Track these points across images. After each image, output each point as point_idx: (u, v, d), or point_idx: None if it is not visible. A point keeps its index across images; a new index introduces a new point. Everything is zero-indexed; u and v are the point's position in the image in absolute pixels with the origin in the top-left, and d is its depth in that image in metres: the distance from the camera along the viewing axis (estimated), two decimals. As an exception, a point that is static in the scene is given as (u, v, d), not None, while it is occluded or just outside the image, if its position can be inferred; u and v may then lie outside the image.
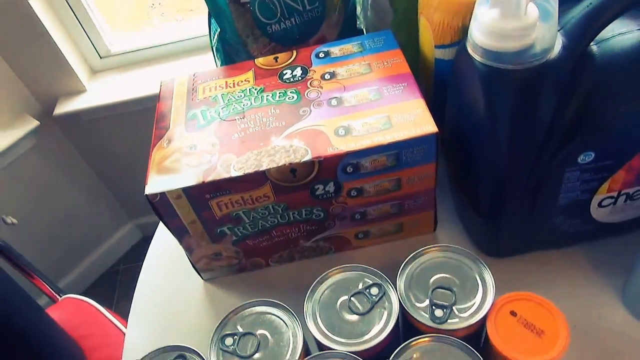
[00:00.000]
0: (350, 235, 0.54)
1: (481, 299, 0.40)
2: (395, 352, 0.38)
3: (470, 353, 0.37)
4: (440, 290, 0.41)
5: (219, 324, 0.42)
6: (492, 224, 0.49)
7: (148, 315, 0.57)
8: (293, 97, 0.51)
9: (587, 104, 0.40)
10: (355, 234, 0.54)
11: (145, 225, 1.71)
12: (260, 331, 0.41)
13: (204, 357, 0.41)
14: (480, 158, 0.45)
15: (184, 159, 0.48)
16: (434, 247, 0.44)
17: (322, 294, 0.43)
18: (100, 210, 1.59)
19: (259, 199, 0.48)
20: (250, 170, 0.45)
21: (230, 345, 0.40)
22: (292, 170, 0.46)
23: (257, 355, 0.40)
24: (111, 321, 0.93)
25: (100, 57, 1.31)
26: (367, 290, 0.42)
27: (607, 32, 0.40)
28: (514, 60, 0.39)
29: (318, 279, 0.43)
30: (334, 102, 0.49)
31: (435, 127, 0.45)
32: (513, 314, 0.39)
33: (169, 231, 0.50)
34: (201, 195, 0.46)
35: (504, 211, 0.47)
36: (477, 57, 0.40)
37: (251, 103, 0.51)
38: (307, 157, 0.45)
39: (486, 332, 0.39)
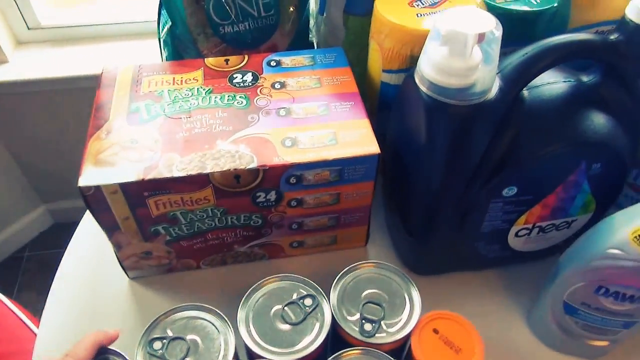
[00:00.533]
0: (285, 244, 0.55)
1: (407, 316, 0.42)
2: None
3: None
4: (371, 304, 0.43)
5: (148, 326, 0.41)
6: (420, 243, 0.52)
7: (65, 314, 0.54)
8: (242, 102, 0.51)
9: (514, 143, 0.44)
10: (290, 242, 0.55)
11: (58, 212, 1.61)
12: (190, 336, 0.41)
13: (128, 359, 0.40)
14: (416, 181, 0.48)
15: (124, 153, 0.46)
16: (366, 262, 0.45)
17: (256, 302, 0.43)
18: (9, 190, 1.48)
19: (198, 201, 0.47)
20: (194, 172, 0.45)
21: (159, 350, 0.40)
22: (236, 176, 0.46)
23: None
24: (20, 318, 0.86)
25: (28, 28, 1.22)
26: (301, 300, 0.43)
27: (538, 81, 0.44)
28: (455, 96, 0.42)
29: (253, 286, 0.44)
30: (282, 112, 0.50)
31: (378, 148, 0.47)
32: (435, 331, 0.42)
33: (95, 222, 0.48)
34: (139, 192, 0.45)
35: (432, 233, 0.50)
36: (423, 88, 0.43)
37: (198, 103, 0.51)
38: (253, 165, 0.45)
39: (409, 348, 0.41)
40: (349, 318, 0.42)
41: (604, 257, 0.40)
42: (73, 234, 0.62)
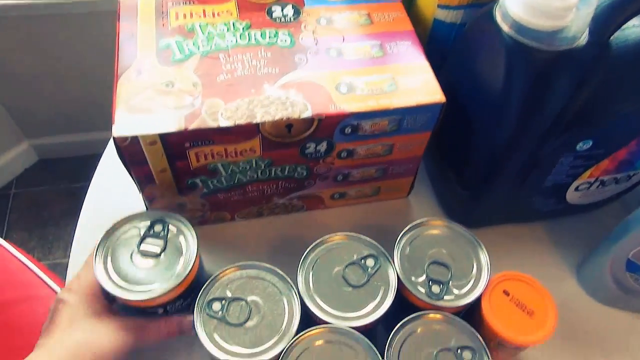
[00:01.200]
0: (327, 195, 0.52)
1: (476, 277, 0.40)
2: (397, 327, 0.37)
3: (469, 334, 0.37)
4: (436, 265, 0.40)
5: (205, 287, 0.38)
6: (473, 196, 0.49)
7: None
8: (286, 40, 0.45)
9: (597, 94, 0.40)
10: (332, 194, 0.52)
11: (43, 147, 1.53)
12: (251, 297, 0.38)
13: (186, 222, 0.40)
14: (482, 132, 0.44)
15: (160, 98, 0.41)
16: (431, 219, 0.43)
17: (315, 262, 0.40)
18: (-10, 126, 1.38)
19: (243, 152, 0.43)
20: (242, 122, 0.40)
21: (218, 311, 0.37)
22: (287, 126, 0.41)
23: (249, 324, 0.37)
24: (22, 262, 0.82)
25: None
26: (363, 261, 0.40)
27: (624, 26, 0.39)
28: (544, 40, 0.37)
29: (311, 246, 0.40)
30: (333, 52, 0.45)
31: (443, 96, 0.43)
32: (506, 293, 0.40)
33: (121, 164, 0.43)
34: (180, 143, 0.40)
35: (491, 187, 0.47)
36: (504, 28, 0.38)
37: (236, 40, 0.45)
38: (307, 114, 0.41)
39: (480, 311, 0.39)
40: (414, 280, 0.40)
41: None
42: (58, 170, 0.57)
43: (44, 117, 1.41)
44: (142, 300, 0.37)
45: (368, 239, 0.41)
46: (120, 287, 0.37)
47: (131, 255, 0.39)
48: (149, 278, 0.38)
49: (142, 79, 0.42)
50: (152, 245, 0.39)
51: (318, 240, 0.41)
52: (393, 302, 0.38)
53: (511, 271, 0.41)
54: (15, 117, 1.42)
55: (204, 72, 0.42)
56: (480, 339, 0.37)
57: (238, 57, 0.44)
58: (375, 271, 0.40)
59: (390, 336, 0.36)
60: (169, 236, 0.40)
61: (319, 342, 0.35)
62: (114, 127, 0.39)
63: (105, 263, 0.39)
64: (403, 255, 0.41)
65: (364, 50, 0.45)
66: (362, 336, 0.36)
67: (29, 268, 0.78)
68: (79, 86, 1.32)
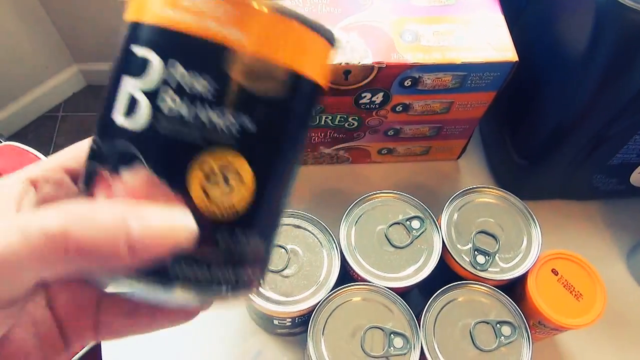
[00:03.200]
0: (374, 150, 0.50)
1: (524, 253, 0.38)
2: (437, 292, 0.36)
3: (511, 309, 0.36)
4: (484, 235, 0.39)
5: None
6: (531, 166, 0.46)
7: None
8: (351, -22, 0.42)
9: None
10: (380, 149, 0.50)
11: (91, 72, 1.54)
12: (291, 246, 0.37)
13: None
14: (554, 96, 0.41)
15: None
16: (484, 187, 0.40)
17: (358, 218, 0.39)
18: (42, 46, 1.40)
19: (295, 95, 0.41)
20: (298, 63, 0.38)
21: None
22: (345, 72, 0.39)
23: (286, 272, 0.36)
24: None
25: None
26: (408, 222, 0.38)
27: None
28: (642, 0, 0.33)
29: (356, 201, 0.39)
30: (400, -4, 0.41)
31: (516, 54, 0.39)
32: (554, 272, 0.38)
33: None
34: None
35: (554, 158, 0.44)
36: (598, -16, 0.34)
37: (299, -26, 0.42)
38: (367, 60, 0.38)
39: (525, 288, 0.37)
40: (460, 247, 0.38)
41: None
42: None
43: (93, 42, 1.42)
44: None
45: (415, 199, 0.39)
46: None
47: None
48: None
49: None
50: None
51: (364, 196, 0.39)
52: (435, 267, 0.37)
53: (564, 250, 0.38)
54: (66, 40, 1.43)
55: (262, 6, 0.40)
56: (522, 315, 0.35)
57: (299, -7, 0.41)
58: (420, 234, 0.38)
59: (430, 301, 0.35)
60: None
61: (356, 299, 0.35)
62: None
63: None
64: (450, 221, 0.39)
65: (434, -3, 0.42)
66: (400, 298, 0.35)
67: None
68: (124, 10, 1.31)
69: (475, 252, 0.38)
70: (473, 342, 0.34)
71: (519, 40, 0.42)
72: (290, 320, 0.37)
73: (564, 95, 0.40)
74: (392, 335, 0.34)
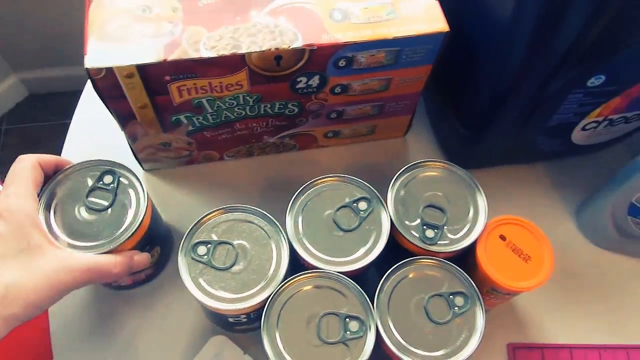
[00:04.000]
0: (319, 134, 0.49)
1: (472, 222, 0.38)
2: (388, 272, 0.35)
3: (462, 279, 0.36)
4: (432, 209, 0.39)
5: (189, 230, 0.36)
6: (475, 136, 0.47)
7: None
8: (275, -40, 0.41)
9: (613, 25, 0.36)
10: (325, 133, 0.49)
11: (33, 81, 1.48)
12: (238, 241, 0.36)
13: (135, 173, 0.38)
14: (488, 63, 0.41)
15: (136, 25, 0.37)
16: (428, 161, 0.40)
17: (305, 205, 0.38)
18: (-25, 58, 1.33)
19: (229, 87, 0.40)
20: (227, 52, 0.36)
21: (204, 255, 0.35)
22: (276, 57, 0.38)
23: (235, 268, 0.35)
24: None
25: None
26: (355, 204, 0.38)
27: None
28: (561, -41, 0.33)
29: (301, 188, 0.38)
30: (327, -25, 0.40)
31: (447, 24, 0.39)
32: (502, 238, 0.38)
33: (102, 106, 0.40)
34: (160, 76, 0.37)
35: (495, 124, 0.44)
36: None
37: (220, -40, 0.41)
38: (297, 44, 0.37)
39: (475, 256, 0.38)
40: (408, 224, 0.38)
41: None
42: (51, 105, 0.54)
43: (31, 49, 1.35)
44: None
45: (361, 180, 0.39)
46: (60, 237, 0.35)
47: (78, 207, 0.36)
48: (93, 232, 0.36)
49: (116, 3, 0.38)
50: (100, 198, 0.37)
51: (308, 182, 0.39)
52: (385, 247, 0.37)
53: (509, 215, 0.39)
54: (2, 48, 1.36)
55: (184, -3, 0.39)
56: (474, 284, 0.36)
57: (222, -21, 0.40)
58: (368, 214, 0.38)
59: (381, 282, 0.35)
60: (118, 189, 0.37)
61: (307, 288, 0.34)
62: (86, 58, 0.36)
63: (48, 212, 0.36)
64: (397, 198, 0.39)
65: (361, -27, 0.41)
66: (352, 282, 0.34)
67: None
68: (64, 15, 1.26)
69: (424, 227, 0.38)
70: (428, 316, 0.34)
71: (449, 9, 0.42)
72: (245, 316, 0.36)
73: (496, 60, 0.40)
74: (347, 319, 0.33)
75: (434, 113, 0.53)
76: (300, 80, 0.41)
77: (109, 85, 0.37)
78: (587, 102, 0.41)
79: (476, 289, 0.35)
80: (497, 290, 0.38)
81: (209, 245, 0.36)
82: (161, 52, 0.36)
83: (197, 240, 0.36)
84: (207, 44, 0.36)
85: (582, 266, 0.48)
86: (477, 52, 0.42)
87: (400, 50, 0.40)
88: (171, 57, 0.36)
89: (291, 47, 0.37)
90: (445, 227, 0.38)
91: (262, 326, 0.33)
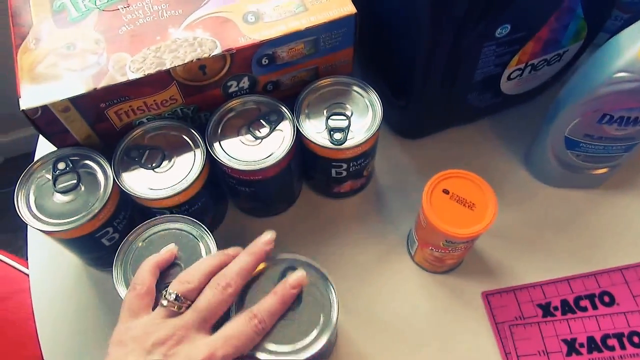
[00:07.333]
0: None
1: (372, 119, 0.43)
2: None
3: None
4: (335, 116, 0.43)
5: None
6: (410, 105, 0.49)
7: (49, 256, 0.50)
8: (185, -22, 0.43)
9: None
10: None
11: (5, 145, 1.49)
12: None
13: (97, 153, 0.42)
14: (401, 34, 0.43)
15: (63, 63, 0.39)
16: (324, 79, 0.44)
17: (222, 125, 0.43)
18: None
19: (165, 102, 0.42)
20: (152, 71, 0.38)
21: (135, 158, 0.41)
22: (201, 67, 0.40)
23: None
24: (6, 262, 0.81)
25: None
26: (266, 117, 0.42)
27: None
28: None
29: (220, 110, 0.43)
30: (236, -18, 0.43)
31: (353, 7, 0.41)
32: (445, 192, 0.40)
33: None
34: (95, 105, 0.39)
35: (423, 91, 0.46)
36: None
37: (134, -12, 0.43)
38: (217, 51, 0.39)
39: (424, 214, 0.40)
40: (318, 132, 0.42)
41: (611, 83, 0.38)
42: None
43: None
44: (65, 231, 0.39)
45: (274, 102, 0.43)
46: (49, 223, 0.39)
47: (53, 197, 0.40)
48: (79, 206, 0.39)
49: (41, 46, 0.40)
50: (67, 181, 0.40)
51: (225, 103, 0.43)
52: (295, 148, 0.42)
53: (449, 170, 0.41)
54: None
55: (105, 27, 0.41)
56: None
57: (138, 4, 0.42)
58: (278, 123, 0.42)
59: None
60: (82, 171, 0.41)
61: None
62: (20, 101, 0.37)
63: (28, 204, 0.40)
64: (304, 111, 0.43)
65: (267, -26, 0.43)
66: None
67: (5, 263, 0.78)
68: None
69: (331, 132, 0.42)
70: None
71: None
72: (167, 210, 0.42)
73: (407, 30, 0.42)
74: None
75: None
76: (231, 85, 0.43)
77: (49, 122, 0.39)
78: (502, 52, 0.44)
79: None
80: (452, 241, 0.40)
81: (141, 150, 0.41)
82: (90, 82, 0.38)
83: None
84: (132, 67, 0.39)
85: (539, 207, 0.50)
86: (390, 24, 0.44)
87: (317, 38, 0.42)
88: (101, 84, 0.38)
89: (212, 55, 0.39)
90: (349, 128, 0.42)
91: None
